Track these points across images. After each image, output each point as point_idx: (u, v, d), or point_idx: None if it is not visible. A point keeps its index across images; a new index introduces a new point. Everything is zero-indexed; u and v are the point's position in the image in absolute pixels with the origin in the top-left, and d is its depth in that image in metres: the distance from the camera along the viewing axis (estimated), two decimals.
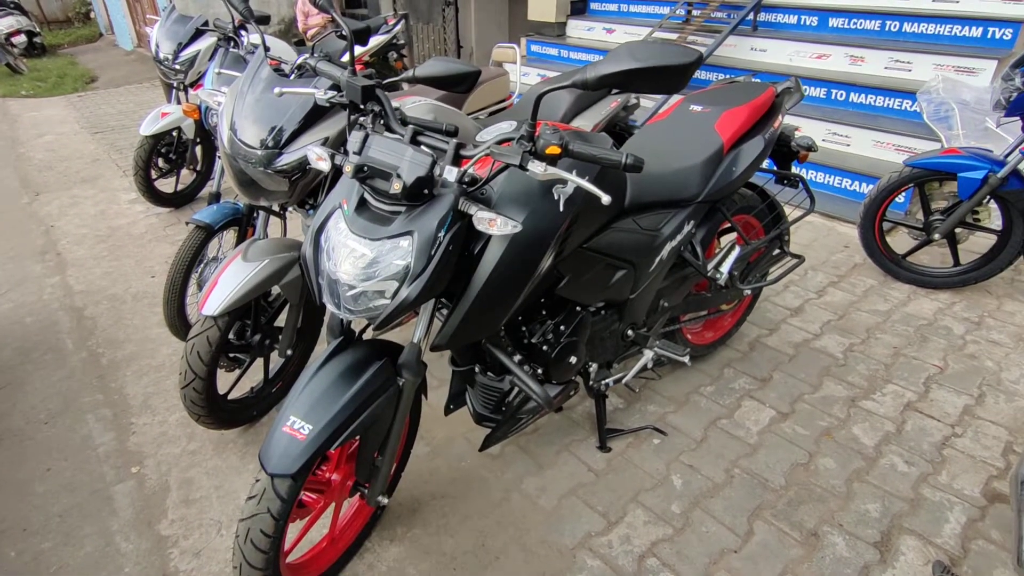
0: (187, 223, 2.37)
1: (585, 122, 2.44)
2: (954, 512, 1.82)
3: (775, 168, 2.25)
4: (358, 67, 1.49)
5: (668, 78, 1.09)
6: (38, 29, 10.10)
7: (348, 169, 1.24)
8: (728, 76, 2.94)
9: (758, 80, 2.22)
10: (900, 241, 3.16)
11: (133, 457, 2.12)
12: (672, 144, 1.89)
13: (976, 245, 2.99)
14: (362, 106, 1.41)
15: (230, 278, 1.80)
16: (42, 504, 1.95)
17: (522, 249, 1.32)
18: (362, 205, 1.29)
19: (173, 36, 3.48)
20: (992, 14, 3.84)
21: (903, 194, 3.04)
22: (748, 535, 1.78)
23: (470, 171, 1.25)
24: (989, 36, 3.86)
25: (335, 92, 1.53)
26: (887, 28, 4.30)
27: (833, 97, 4.29)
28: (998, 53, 3.75)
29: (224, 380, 2.05)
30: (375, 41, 4.54)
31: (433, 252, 1.22)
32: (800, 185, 2.22)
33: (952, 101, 3.52)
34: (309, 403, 1.30)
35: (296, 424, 1.27)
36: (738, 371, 2.43)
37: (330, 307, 1.30)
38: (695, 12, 5.24)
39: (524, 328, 1.65)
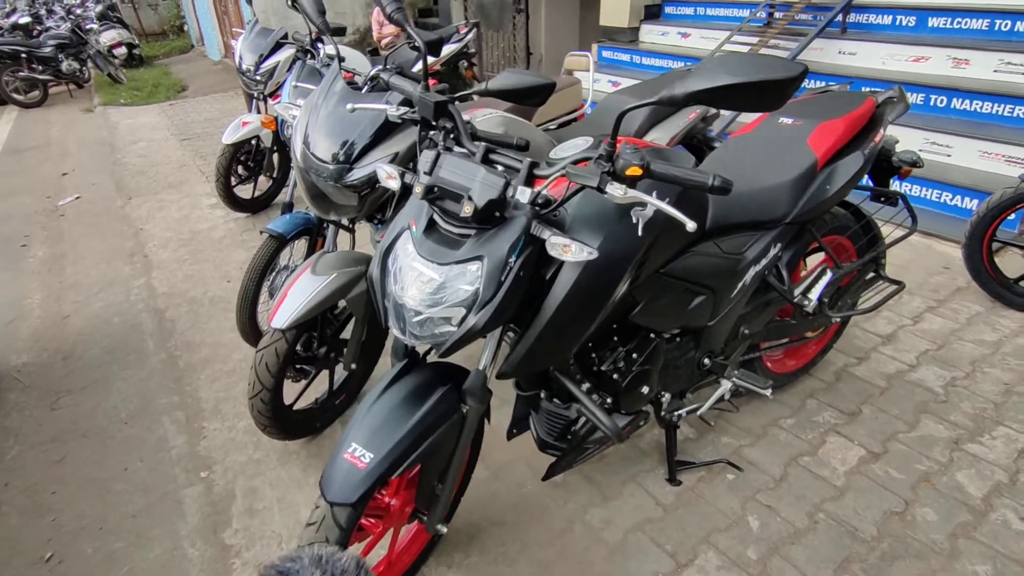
0: (260, 232, 2.42)
1: (661, 134, 2.32)
2: None
3: (873, 184, 2.06)
4: (430, 80, 1.45)
5: (767, 95, 0.98)
6: (137, 42, 10.83)
7: (418, 190, 1.20)
8: (823, 84, 2.74)
9: (855, 89, 2.04)
10: (1011, 263, 2.85)
11: (203, 462, 2.17)
12: (759, 160, 1.75)
13: None
14: (434, 123, 1.37)
15: (298, 292, 1.81)
16: (118, 503, 2.02)
17: (596, 275, 1.24)
18: (431, 227, 1.25)
19: (255, 48, 3.60)
20: None
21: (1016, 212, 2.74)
22: None
23: (543, 192, 1.18)
24: None
25: (407, 108, 1.49)
26: (997, 27, 3.93)
27: (932, 103, 3.96)
28: None
29: (290, 390, 2.07)
30: (446, 50, 4.55)
31: (503, 278, 1.15)
32: (900, 203, 2.03)
33: None
34: (371, 430, 1.26)
35: (357, 452, 1.24)
36: (822, 403, 2.25)
37: (395, 332, 1.26)
38: (778, 14, 4.97)
39: (594, 355, 1.57)
